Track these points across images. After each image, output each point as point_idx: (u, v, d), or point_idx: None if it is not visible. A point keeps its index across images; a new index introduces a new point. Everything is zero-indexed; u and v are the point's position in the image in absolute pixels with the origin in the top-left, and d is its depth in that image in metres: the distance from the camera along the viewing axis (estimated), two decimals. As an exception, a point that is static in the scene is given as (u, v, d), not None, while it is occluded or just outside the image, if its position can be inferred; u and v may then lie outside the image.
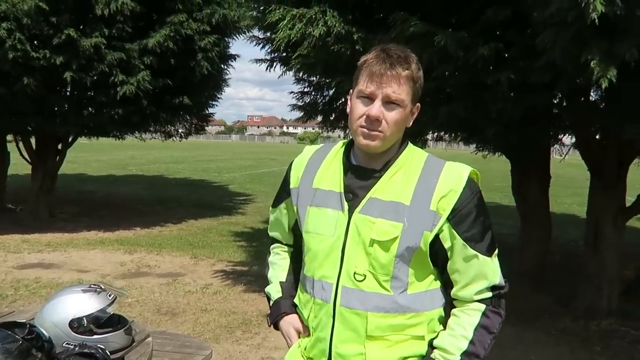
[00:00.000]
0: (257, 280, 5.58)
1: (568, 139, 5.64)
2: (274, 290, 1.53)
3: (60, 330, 1.98)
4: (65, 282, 5.40)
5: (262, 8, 3.64)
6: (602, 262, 4.71)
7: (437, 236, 1.26)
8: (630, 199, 4.86)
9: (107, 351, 1.96)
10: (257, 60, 5.40)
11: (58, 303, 2.04)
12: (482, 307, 1.29)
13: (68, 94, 8.07)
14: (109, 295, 2.11)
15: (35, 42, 6.75)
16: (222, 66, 9.37)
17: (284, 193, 1.48)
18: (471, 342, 1.26)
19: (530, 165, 5.48)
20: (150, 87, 7.34)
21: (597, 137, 4.67)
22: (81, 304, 2.03)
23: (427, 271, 1.31)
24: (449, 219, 1.25)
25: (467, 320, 1.28)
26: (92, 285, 2.11)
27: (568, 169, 17.12)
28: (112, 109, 7.46)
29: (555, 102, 3.39)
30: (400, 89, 1.24)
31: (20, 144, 8.90)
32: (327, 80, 4.38)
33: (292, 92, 6.07)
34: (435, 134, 5.96)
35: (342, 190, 1.32)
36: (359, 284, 1.27)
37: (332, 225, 1.31)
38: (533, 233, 5.68)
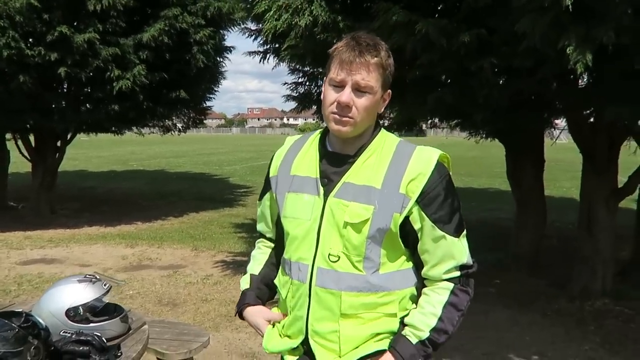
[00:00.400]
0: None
1: (562, 123, 5.66)
2: (244, 282, 1.59)
3: (57, 319, 2.04)
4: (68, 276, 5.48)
5: (250, 0, 3.67)
6: (596, 244, 4.76)
7: (407, 218, 1.31)
8: (622, 180, 4.89)
9: (103, 338, 2.02)
10: (251, 53, 5.41)
11: (54, 293, 2.11)
12: (451, 285, 1.34)
13: (65, 90, 8.09)
14: (104, 285, 2.17)
15: (29, 39, 6.78)
16: (218, 59, 9.38)
17: (267, 185, 1.54)
18: (440, 319, 1.31)
19: (523, 150, 5.51)
20: (147, 82, 7.37)
21: (590, 120, 4.70)
22: (77, 293, 2.09)
23: (399, 252, 1.36)
24: (417, 202, 1.30)
25: (436, 299, 1.33)
26: (87, 276, 2.18)
27: (567, 153, 17.10)
28: (108, 105, 7.50)
29: (544, 87, 3.40)
30: (370, 76, 1.28)
31: (20, 142, 8.96)
32: (319, 70, 4.41)
33: (285, 83, 6.11)
34: (430, 121, 5.98)
35: (318, 176, 1.37)
36: (333, 265, 1.32)
37: (308, 210, 1.36)
38: (528, 218, 5.73)
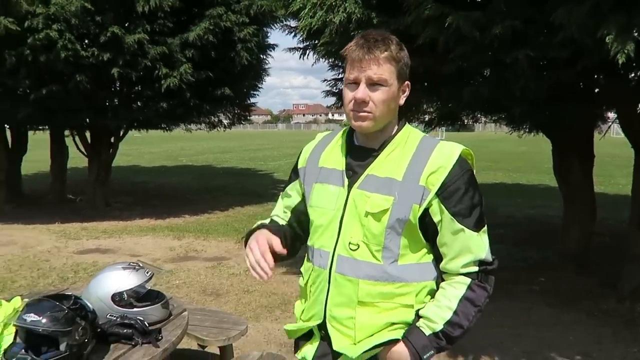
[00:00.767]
0: (297, 262, 5.68)
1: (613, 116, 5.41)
2: (260, 221, 1.59)
3: (104, 303, 2.19)
4: (119, 266, 5.77)
5: (286, -3, 3.73)
6: (648, 242, 4.53)
7: (427, 210, 1.34)
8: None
9: (145, 322, 2.16)
10: (291, 49, 5.49)
11: (101, 279, 2.26)
12: (468, 280, 1.35)
13: (117, 89, 8.48)
14: (147, 273, 2.31)
15: (84, 41, 7.16)
16: (262, 56, 9.56)
17: (293, 175, 1.61)
18: (455, 313, 1.33)
19: (570, 144, 5.31)
20: (193, 80, 7.61)
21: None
22: (122, 279, 2.24)
23: (419, 245, 1.38)
24: (437, 194, 1.32)
25: (452, 293, 1.35)
26: (131, 263, 2.32)
27: (624, 149, 16.24)
28: (157, 103, 7.81)
29: (586, 79, 3.27)
30: (381, 69, 1.32)
31: (77, 139, 9.48)
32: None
33: (325, 79, 6.15)
34: (471, 115, 5.86)
35: (344, 169, 1.43)
36: (353, 253, 1.37)
37: (333, 200, 1.42)
38: (576, 215, 5.52)
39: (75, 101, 7.43)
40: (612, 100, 4.10)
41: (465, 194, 1.33)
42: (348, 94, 1.36)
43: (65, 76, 7.10)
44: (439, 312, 1.34)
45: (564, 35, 2.36)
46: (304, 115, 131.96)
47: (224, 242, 7.04)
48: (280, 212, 1.63)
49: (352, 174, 1.41)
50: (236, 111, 10.62)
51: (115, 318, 2.15)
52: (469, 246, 1.34)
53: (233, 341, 3.03)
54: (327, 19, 3.10)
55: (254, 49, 8.47)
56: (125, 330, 2.10)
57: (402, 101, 1.41)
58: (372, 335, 1.38)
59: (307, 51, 5.16)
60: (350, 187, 1.39)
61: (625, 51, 2.09)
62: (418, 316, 1.38)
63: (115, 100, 8.36)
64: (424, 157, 1.35)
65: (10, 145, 9.72)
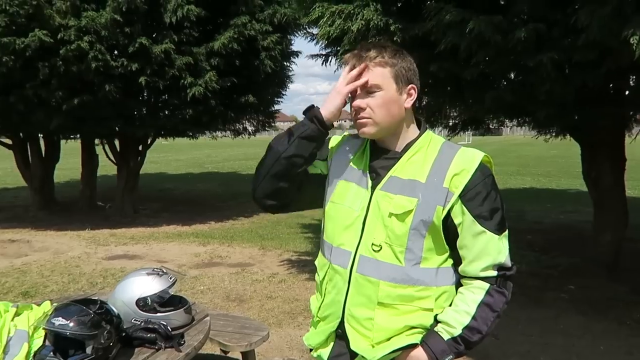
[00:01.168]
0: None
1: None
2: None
3: (128, 308, 2.24)
4: (146, 271, 5.88)
5: (303, 5, 3.76)
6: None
7: (449, 212, 1.35)
8: None
9: (168, 327, 2.20)
10: (313, 56, 5.53)
11: (126, 284, 2.31)
12: (486, 285, 1.35)
13: (145, 98, 8.68)
14: (170, 278, 2.35)
15: (114, 51, 7.36)
16: (285, 63, 9.64)
17: (325, 149, 1.54)
18: (473, 318, 1.33)
19: (600, 148, 5.17)
20: (218, 87, 7.74)
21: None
22: (146, 285, 2.28)
23: (442, 249, 1.38)
24: (460, 196, 1.33)
25: (470, 297, 1.35)
26: (155, 269, 2.36)
27: (660, 151, 15.70)
28: (183, 110, 7.96)
29: (613, 81, 3.18)
30: (373, 75, 1.36)
31: (107, 147, 9.74)
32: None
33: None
34: (495, 120, 5.78)
35: (367, 170, 1.45)
36: (376, 254, 1.37)
37: (355, 200, 1.43)
38: (607, 220, 5.37)
39: (105, 110, 7.64)
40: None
41: (487, 198, 1.34)
42: (350, 105, 1.41)
43: (96, 86, 7.31)
44: (457, 317, 1.34)
45: (587, 37, 2.32)
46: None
47: (248, 249, 7.10)
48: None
49: (376, 175, 1.43)
50: (260, 118, 10.73)
51: (139, 322, 2.20)
52: (489, 249, 1.34)
53: (255, 347, 3.05)
54: (345, 27, 3.12)
55: (277, 56, 8.56)
56: (149, 335, 2.14)
57: (408, 104, 1.42)
58: (390, 339, 1.38)
59: (330, 58, 5.19)
60: (373, 188, 1.41)
61: (650, 53, 2.04)
62: (436, 321, 1.37)
63: (143, 109, 8.55)
64: (446, 160, 1.37)
65: (44, 154, 10.04)
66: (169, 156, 26.81)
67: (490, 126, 6.16)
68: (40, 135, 9.95)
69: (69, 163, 13.71)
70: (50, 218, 9.20)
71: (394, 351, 1.37)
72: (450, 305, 1.38)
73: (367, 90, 1.37)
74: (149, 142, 9.77)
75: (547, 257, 6.19)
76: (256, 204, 1.52)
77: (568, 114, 3.54)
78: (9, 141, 9.75)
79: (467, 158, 1.37)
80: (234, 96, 8.51)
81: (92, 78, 7.12)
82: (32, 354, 1.94)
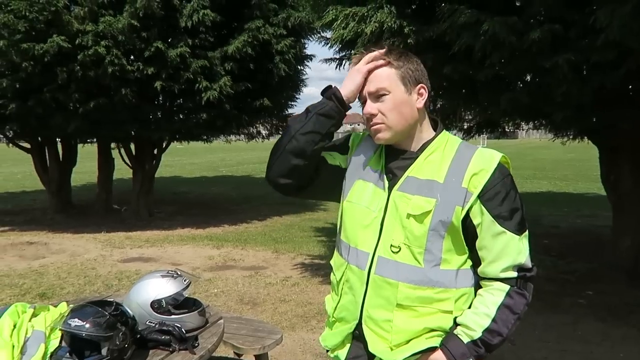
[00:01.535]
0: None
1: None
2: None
3: (143, 310, 2.25)
4: (161, 273, 5.93)
5: (317, 8, 3.76)
6: None
7: (467, 213, 1.33)
8: None
9: (183, 329, 2.20)
10: (327, 60, 5.53)
11: (141, 287, 2.32)
12: (506, 287, 1.32)
13: (160, 102, 8.77)
14: (184, 281, 2.36)
15: (130, 56, 7.45)
16: (299, 67, 9.66)
17: (343, 144, 1.55)
18: (493, 320, 1.30)
19: (619, 151, 5.08)
20: (232, 92, 7.78)
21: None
22: (160, 287, 2.29)
23: (461, 250, 1.36)
24: (479, 196, 1.32)
25: (490, 299, 1.32)
26: (169, 272, 2.37)
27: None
28: (198, 114, 8.02)
29: (635, 82, 3.13)
30: (378, 79, 1.37)
31: (122, 151, 9.85)
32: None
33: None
34: (510, 122, 5.72)
35: (384, 171, 1.44)
36: (394, 256, 1.36)
37: (373, 200, 1.42)
38: (626, 224, 5.27)
39: (121, 114, 7.73)
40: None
41: (507, 197, 1.32)
42: (363, 113, 1.42)
43: (112, 90, 7.41)
44: (477, 320, 1.32)
45: (606, 37, 2.28)
46: (342, 124, 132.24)
47: (262, 252, 7.11)
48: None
49: (392, 176, 1.41)
50: (274, 122, 10.77)
51: (154, 324, 2.20)
52: (509, 249, 1.32)
53: (268, 350, 3.05)
54: (359, 30, 3.11)
55: (291, 60, 8.58)
56: (163, 337, 2.14)
57: (420, 104, 1.40)
58: (409, 341, 1.36)
59: (343, 61, 5.18)
60: (390, 189, 1.40)
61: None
62: (456, 323, 1.35)
63: (158, 113, 8.63)
64: (464, 160, 1.35)
65: (61, 158, 10.20)
66: (183, 160, 27.02)
67: (506, 129, 6.09)
68: (58, 140, 10.10)
69: (85, 167, 13.89)
70: (67, 221, 9.32)
71: (413, 354, 1.35)
72: (469, 307, 1.36)
73: (376, 95, 1.37)
74: (164, 145, 9.86)
75: (564, 262, 6.09)
76: (270, 184, 1.50)
77: (586, 116, 3.49)
78: (27, 145, 9.92)
79: (485, 158, 1.35)
80: (248, 100, 8.55)
81: (108, 82, 7.21)
82: (48, 355, 1.96)
